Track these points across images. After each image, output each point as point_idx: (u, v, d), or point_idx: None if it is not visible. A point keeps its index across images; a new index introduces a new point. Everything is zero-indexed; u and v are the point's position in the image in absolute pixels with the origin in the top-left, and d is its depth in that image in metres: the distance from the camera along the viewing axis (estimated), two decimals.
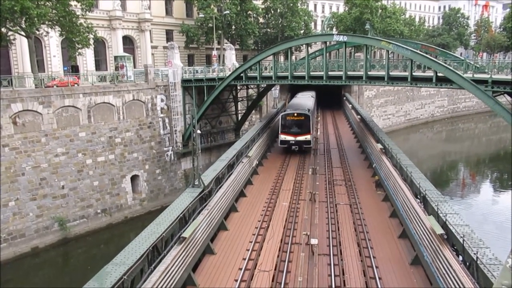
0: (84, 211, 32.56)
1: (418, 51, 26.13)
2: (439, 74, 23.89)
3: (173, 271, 12.53)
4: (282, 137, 32.58)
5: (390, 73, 26.92)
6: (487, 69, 24.05)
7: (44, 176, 30.20)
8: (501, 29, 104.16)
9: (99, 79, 37.49)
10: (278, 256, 16.04)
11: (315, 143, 35.43)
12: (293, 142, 32.10)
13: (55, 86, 32.38)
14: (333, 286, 13.68)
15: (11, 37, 35.34)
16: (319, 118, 49.15)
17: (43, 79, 32.79)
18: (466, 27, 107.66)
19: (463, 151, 69.82)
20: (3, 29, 33.54)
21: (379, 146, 26.65)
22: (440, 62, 24.22)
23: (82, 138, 32.55)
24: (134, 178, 36.39)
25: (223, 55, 54.50)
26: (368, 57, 28.64)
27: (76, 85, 34.10)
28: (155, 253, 12.77)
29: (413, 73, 25.64)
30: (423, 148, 66.56)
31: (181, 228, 14.82)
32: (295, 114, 32.41)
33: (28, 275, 27.54)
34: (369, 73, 27.85)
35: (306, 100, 41.04)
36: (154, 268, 12.18)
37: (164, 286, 11.80)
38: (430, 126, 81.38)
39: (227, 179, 21.28)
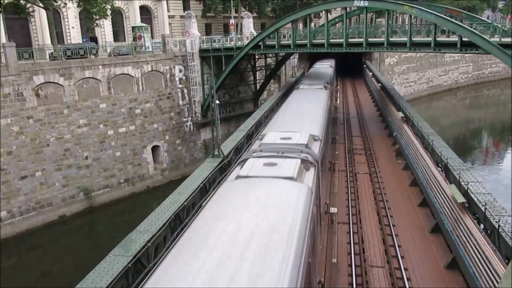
0: (107, 180, 33.41)
1: (443, 15, 25.20)
2: (464, 39, 23.05)
3: None
4: None
5: (413, 38, 26.10)
6: None
7: (68, 147, 30.95)
8: None
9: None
10: None
11: (334, 111, 33.86)
12: None
13: None
14: (353, 253, 13.84)
15: (30, 9, 35.51)
16: (338, 87, 48.43)
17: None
18: None
19: (487, 118, 68.01)
20: (21, 1, 33.68)
21: (400, 114, 26.17)
22: (465, 26, 23.32)
23: (103, 110, 33.00)
24: (155, 149, 36.93)
25: (241, 24, 53.60)
26: (390, 22, 27.74)
27: None
28: (177, 221, 13.07)
29: (437, 39, 24.80)
30: (446, 116, 65.09)
31: (202, 197, 15.07)
32: None
33: (57, 241, 28.78)
34: (390, 39, 27.03)
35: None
36: (177, 236, 12.50)
37: None
38: (454, 93, 79.16)
39: (246, 149, 21.35)
